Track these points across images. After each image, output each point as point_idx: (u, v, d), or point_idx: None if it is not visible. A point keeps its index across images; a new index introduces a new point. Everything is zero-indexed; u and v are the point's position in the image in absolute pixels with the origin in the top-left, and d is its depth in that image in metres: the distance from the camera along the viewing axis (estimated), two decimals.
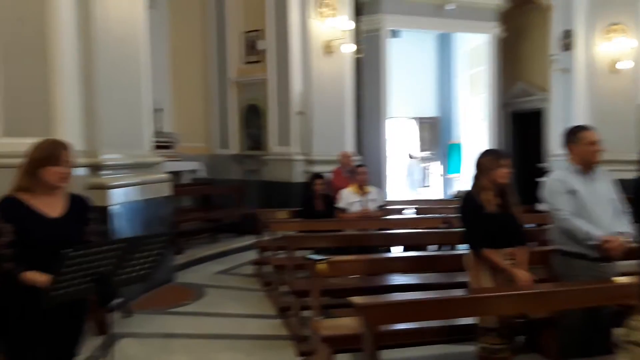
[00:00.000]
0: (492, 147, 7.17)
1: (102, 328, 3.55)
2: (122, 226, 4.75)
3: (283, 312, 4.63)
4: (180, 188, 7.40)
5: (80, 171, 4.44)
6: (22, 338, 2.27)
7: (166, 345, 4.02)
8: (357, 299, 2.71)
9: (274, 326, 4.47)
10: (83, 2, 4.65)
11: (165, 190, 5.67)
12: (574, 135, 3.31)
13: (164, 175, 5.75)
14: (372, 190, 5.74)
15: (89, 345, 3.31)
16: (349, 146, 8.36)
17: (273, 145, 8.75)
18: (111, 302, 2.25)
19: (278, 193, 8.20)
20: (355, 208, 5.53)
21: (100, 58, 4.78)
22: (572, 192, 3.19)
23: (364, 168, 5.83)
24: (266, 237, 5.90)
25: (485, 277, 3.15)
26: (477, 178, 3.22)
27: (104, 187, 4.62)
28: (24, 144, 4.34)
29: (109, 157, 4.84)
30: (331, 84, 8.46)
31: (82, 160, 4.30)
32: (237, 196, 8.50)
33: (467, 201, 3.27)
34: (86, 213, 2.46)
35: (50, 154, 2.29)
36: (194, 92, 9.44)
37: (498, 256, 3.11)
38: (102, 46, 4.80)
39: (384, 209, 5.98)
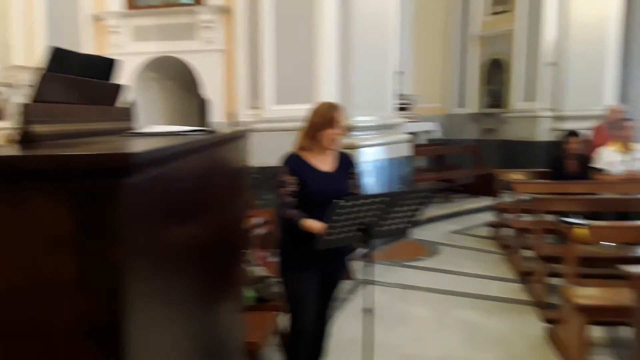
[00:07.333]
0: None
1: (351, 274, 3.93)
2: (369, 183, 5.11)
3: (524, 276, 4.37)
4: (417, 148, 7.52)
5: (345, 133, 5.14)
6: (300, 281, 2.56)
7: (406, 296, 4.23)
8: (632, 269, 2.45)
9: (514, 290, 4.28)
10: None
11: (406, 150, 5.90)
12: None
13: (405, 136, 6.04)
14: (638, 147, 4.87)
15: (342, 289, 3.66)
16: (610, 99, 7.22)
17: (515, 101, 8.14)
18: (365, 250, 2.43)
19: (518, 153, 7.66)
20: (617, 168, 4.79)
21: (356, 27, 5.22)
22: None
23: (630, 122, 4.97)
24: (505, 199, 5.59)
25: None
26: None
27: (355, 147, 5.01)
28: (292, 109, 5.18)
29: (360, 119, 5.25)
30: (592, 28, 7.41)
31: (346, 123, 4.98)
32: (473, 156, 8.23)
33: None
34: (352, 168, 2.70)
35: (327, 118, 2.53)
36: (433, 52, 9.40)
37: None
38: (359, 16, 5.23)
39: None
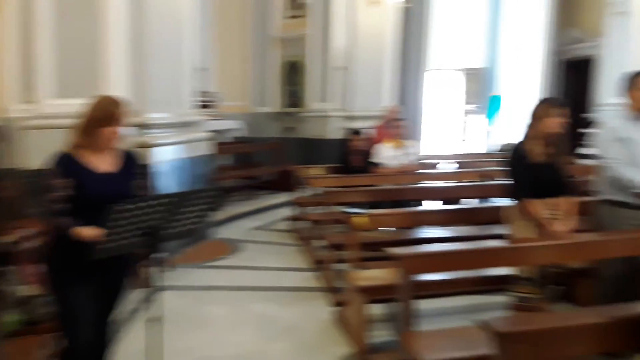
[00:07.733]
0: (550, 96, 6.86)
1: (143, 281, 3.70)
2: (166, 183, 4.87)
3: (317, 265, 4.67)
4: (221, 146, 7.47)
5: (128, 130, 4.65)
6: (73, 294, 2.30)
7: (204, 297, 4.14)
8: (394, 250, 2.71)
9: (308, 278, 4.53)
10: None
11: (207, 148, 5.77)
12: (632, 80, 3.13)
13: (205, 134, 5.87)
14: (409, 144, 5.61)
15: (132, 298, 3.42)
16: (388, 100, 8.16)
17: (311, 102, 8.66)
18: (159, 255, 2.28)
19: (314, 150, 8.19)
20: (392, 162, 5.42)
21: (148, 19, 4.84)
22: (624, 140, 3.05)
23: (402, 121, 5.68)
24: (302, 193, 5.91)
25: (528, 229, 3.08)
26: (528, 127, 3.17)
27: (148, 146, 4.70)
28: (76, 104, 4.61)
29: (154, 115, 4.93)
30: (375, 37, 8.27)
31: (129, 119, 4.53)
32: (275, 154, 8.53)
33: (514, 151, 3.22)
34: (137, 168, 2.48)
35: (107, 114, 2.30)
36: (235, 51, 9.37)
37: (540, 207, 3.06)
38: (151, 6, 4.86)
39: (422, 163, 5.86)
